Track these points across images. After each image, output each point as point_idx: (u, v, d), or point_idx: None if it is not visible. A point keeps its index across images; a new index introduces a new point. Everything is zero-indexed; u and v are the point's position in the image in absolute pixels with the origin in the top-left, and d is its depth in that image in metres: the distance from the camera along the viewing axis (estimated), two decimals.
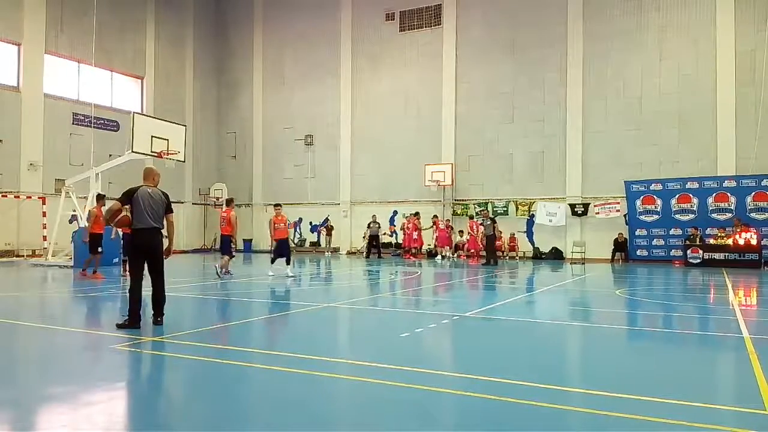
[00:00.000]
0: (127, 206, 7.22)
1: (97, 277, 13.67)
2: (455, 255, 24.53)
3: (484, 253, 24.26)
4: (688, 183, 21.49)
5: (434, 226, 24.06)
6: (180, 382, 5.12)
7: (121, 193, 7.28)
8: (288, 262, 14.76)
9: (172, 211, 7.52)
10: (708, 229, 20.89)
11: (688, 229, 21.07)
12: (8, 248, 22.22)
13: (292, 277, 14.44)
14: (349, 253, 28.12)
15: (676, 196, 21.66)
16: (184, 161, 21.15)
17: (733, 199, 20.73)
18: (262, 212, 30.10)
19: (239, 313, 9.44)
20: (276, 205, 15.50)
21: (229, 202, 15.42)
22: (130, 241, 7.26)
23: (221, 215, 14.94)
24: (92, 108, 24.11)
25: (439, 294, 12.47)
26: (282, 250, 14.79)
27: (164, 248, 7.41)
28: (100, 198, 14.98)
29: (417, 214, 24.67)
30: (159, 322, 7.20)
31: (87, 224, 14.99)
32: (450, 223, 24.47)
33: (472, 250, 23.31)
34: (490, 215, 22.03)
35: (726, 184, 20.91)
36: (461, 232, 25.11)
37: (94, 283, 12.76)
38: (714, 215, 21.05)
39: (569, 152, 23.96)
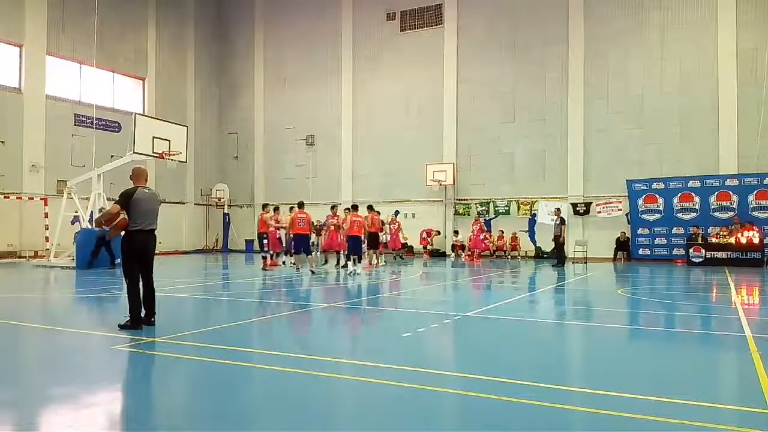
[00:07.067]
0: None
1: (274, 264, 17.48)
2: (456, 255, 24.56)
3: (486, 253, 24.35)
4: (690, 182, 21.45)
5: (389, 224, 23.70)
6: (181, 383, 5.12)
7: (119, 195, 7.27)
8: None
9: None
10: (710, 227, 20.86)
11: (690, 228, 21.05)
12: (11, 249, 22.26)
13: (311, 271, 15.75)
14: None
15: (678, 195, 21.63)
16: (185, 162, 21.16)
17: (735, 198, 20.69)
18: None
19: (240, 313, 9.43)
20: (300, 204, 16.80)
21: (265, 206, 18.68)
22: (129, 242, 7.21)
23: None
24: (94, 109, 24.15)
25: (440, 294, 12.46)
26: (300, 245, 16.11)
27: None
28: (266, 206, 18.80)
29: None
30: (152, 323, 7.21)
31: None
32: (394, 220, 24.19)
33: (474, 250, 23.24)
34: (561, 215, 19.96)
35: (728, 182, 20.86)
36: (456, 232, 25.17)
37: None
38: (716, 214, 21.01)
39: (571, 151, 23.93)
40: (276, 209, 18.24)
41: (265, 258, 17.44)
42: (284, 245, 18.15)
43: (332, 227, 17.44)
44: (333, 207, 17.90)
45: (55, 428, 3.90)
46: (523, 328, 7.96)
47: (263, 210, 17.97)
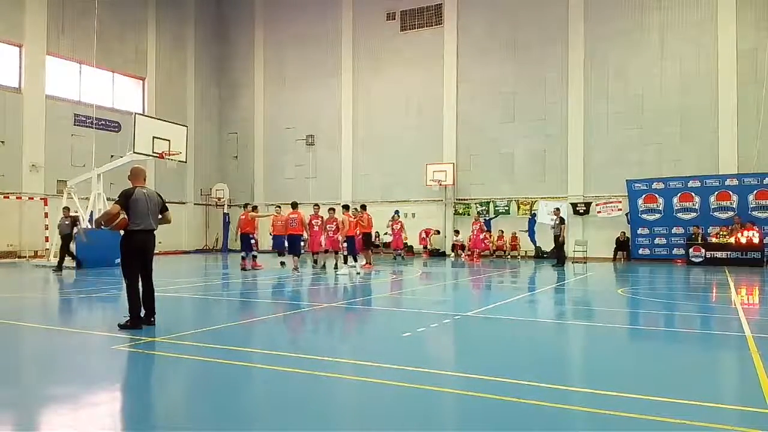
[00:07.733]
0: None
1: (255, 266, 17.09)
2: (456, 255, 24.59)
3: (486, 253, 24.35)
4: (690, 181, 21.46)
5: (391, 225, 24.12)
6: (181, 382, 5.12)
7: (118, 195, 7.27)
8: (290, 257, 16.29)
9: (167, 209, 7.67)
10: (710, 227, 20.86)
11: (690, 228, 21.05)
12: (11, 249, 22.26)
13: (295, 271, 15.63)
14: None
15: (678, 195, 21.63)
16: (185, 162, 21.16)
17: (735, 198, 20.69)
18: (263, 212, 30.10)
19: (240, 313, 9.43)
20: (277, 206, 17.12)
21: (246, 205, 18.59)
22: (128, 242, 7.21)
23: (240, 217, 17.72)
24: (93, 109, 24.15)
25: (440, 294, 12.46)
26: (284, 245, 16.36)
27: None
28: (246, 205, 18.82)
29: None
30: (152, 322, 7.22)
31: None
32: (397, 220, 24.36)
33: (473, 250, 23.23)
34: (561, 215, 19.80)
35: (728, 182, 20.87)
36: (456, 232, 25.19)
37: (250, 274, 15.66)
38: (716, 214, 21.01)
39: (570, 151, 23.93)
40: (255, 208, 18.36)
41: (255, 257, 17.38)
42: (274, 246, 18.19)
43: (315, 227, 16.67)
44: (316, 206, 17.15)
45: (55, 428, 3.89)
46: (523, 328, 7.95)
47: (245, 209, 17.94)
